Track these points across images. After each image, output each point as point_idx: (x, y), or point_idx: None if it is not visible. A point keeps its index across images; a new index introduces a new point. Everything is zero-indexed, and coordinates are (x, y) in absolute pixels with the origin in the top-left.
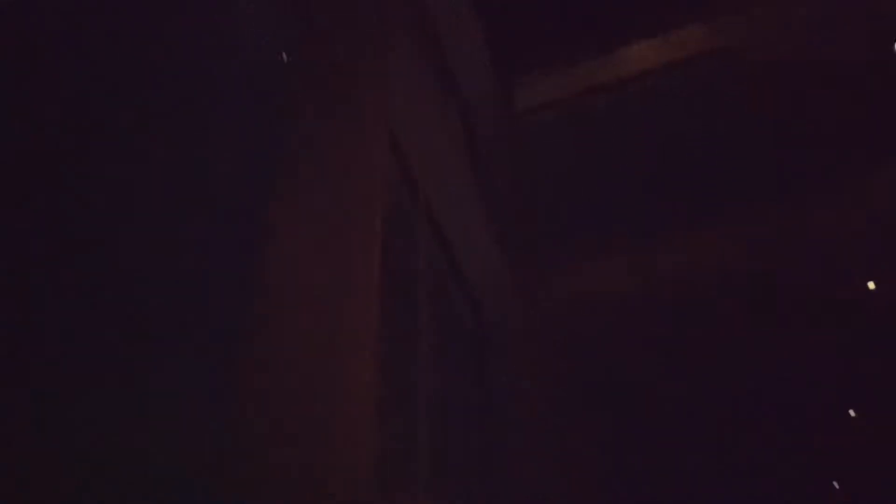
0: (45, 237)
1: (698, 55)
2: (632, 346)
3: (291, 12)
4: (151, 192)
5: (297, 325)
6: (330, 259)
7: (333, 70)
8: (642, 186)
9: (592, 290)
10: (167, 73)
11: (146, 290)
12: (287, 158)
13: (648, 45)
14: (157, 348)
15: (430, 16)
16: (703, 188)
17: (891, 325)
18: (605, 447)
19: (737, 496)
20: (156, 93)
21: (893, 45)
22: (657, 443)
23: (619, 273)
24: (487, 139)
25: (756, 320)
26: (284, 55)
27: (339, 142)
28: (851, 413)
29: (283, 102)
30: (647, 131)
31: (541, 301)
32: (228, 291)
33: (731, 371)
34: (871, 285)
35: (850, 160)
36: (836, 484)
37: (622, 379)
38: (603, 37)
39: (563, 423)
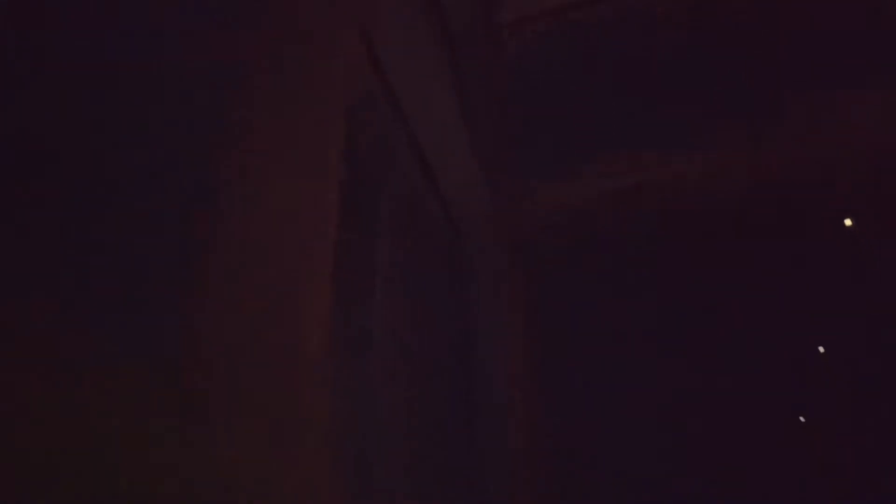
0: None
1: None
2: (612, 262)
3: None
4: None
5: (250, 233)
6: (287, 158)
7: None
8: (629, 102)
9: (573, 204)
10: None
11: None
12: (248, 52)
13: None
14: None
15: None
16: (691, 106)
17: (868, 255)
18: (581, 367)
19: (707, 418)
20: None
21: None
22: (633, 357)
23: (601, 188)
24: (469, 49)
25: (732, 242)
26: None
27: (307, 37)
28: (821, 349)
29: None
30: (635, 46)
31: (521, 212)
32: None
33: (704, 291)
34: (848, 222)
35: (845, 79)
36: (801, 419)
37: (604, 301)
38: None
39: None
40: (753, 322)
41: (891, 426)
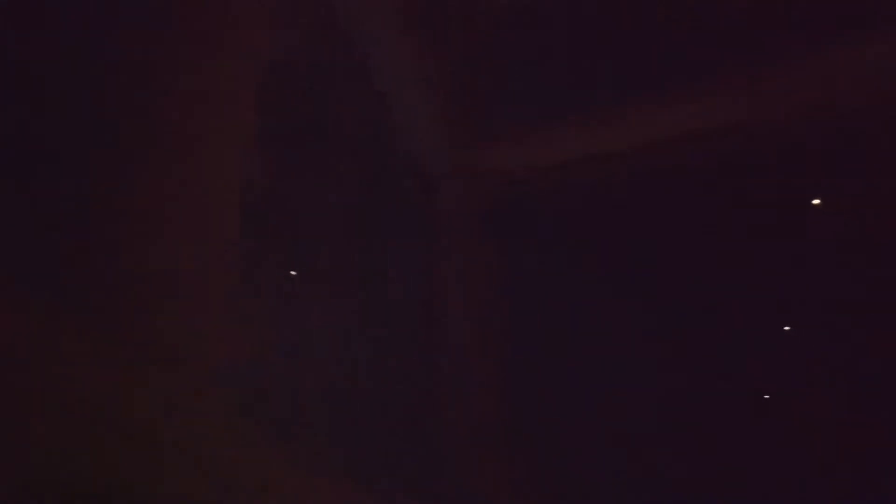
0: None
1: None
2: (582, 219)
3: None
4: None
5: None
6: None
7: None
8: (599, 54)
9: (543, 162)
10: None
11: None
12: None
13: None
14: None
15: None
16: (657, 62)
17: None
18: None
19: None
20: None
21: None
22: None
23: (571, 144)
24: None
25: (700, 211)
26: None
27: None
28: (786, 328)
29: None
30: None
31: (489, 171)
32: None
33: (670, 257)
34: (816, 201)
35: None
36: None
37: (572, 259)
38: None
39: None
40: (721, 293)
41: (861, 408)
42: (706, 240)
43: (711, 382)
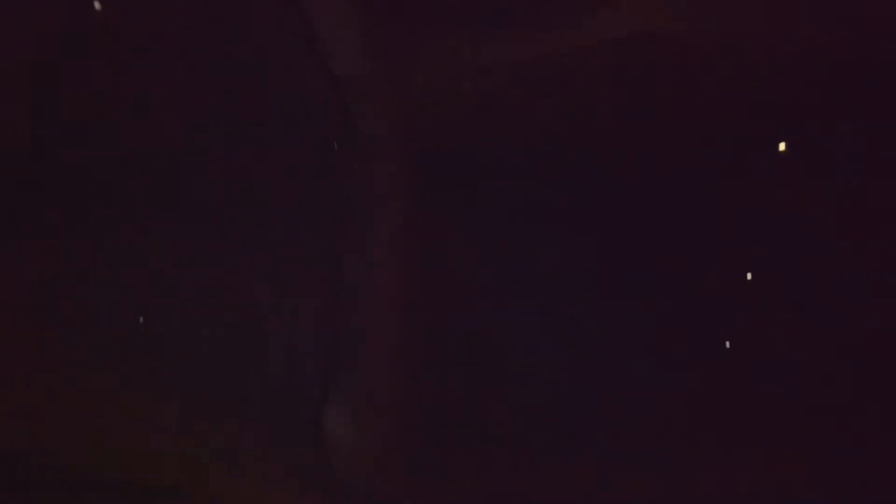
0: None
1: None
2: (516, 160)
3: None
4: None
5: None
6: None
7: None
8: None
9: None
10: None
11: None
12: None
13: None
14: None
15: None
16: None
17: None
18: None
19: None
20: None
21: None
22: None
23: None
24: None
25: (656, 143)
26: None
27: None
28: (748, 276)
29: None
30: None
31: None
32: None
33: (620, 200)
34: (782, 147)
35: None
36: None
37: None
38: None
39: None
40: (674, 237)
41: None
42: (661, 183)
43: (663, 364)
